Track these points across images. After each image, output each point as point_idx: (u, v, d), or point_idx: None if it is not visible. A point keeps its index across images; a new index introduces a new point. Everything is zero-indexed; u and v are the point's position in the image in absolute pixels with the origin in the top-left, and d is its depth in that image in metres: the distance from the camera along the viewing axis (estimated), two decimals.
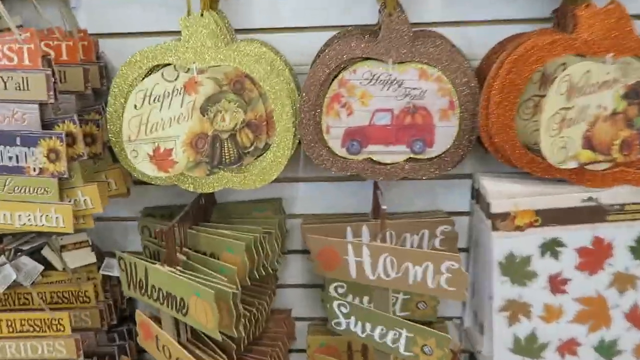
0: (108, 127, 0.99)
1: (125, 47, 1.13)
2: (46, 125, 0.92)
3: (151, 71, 0.99)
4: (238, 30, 1.08)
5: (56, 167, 0.92)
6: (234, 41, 1.03)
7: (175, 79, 0.96)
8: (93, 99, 1.10)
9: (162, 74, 0.96)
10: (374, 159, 1.03)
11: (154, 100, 0.96)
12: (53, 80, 0.89)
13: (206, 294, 0.83)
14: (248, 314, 0.98)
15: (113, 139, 1.01)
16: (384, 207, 1.01)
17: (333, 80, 1.00)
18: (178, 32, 1.00)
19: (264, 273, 1.01)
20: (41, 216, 0.93)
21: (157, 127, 0.96)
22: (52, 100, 0.89)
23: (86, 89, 1.03)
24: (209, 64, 0.96)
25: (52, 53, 0.99)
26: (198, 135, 0.98)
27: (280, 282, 1.25)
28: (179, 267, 0.94)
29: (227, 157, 0.99)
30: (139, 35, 1.13)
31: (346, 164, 1.03)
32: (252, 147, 1.00)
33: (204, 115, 0.97)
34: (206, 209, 1.15)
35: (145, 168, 0.98)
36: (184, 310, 0.88)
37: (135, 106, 0.97)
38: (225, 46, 0.97)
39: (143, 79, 0.98)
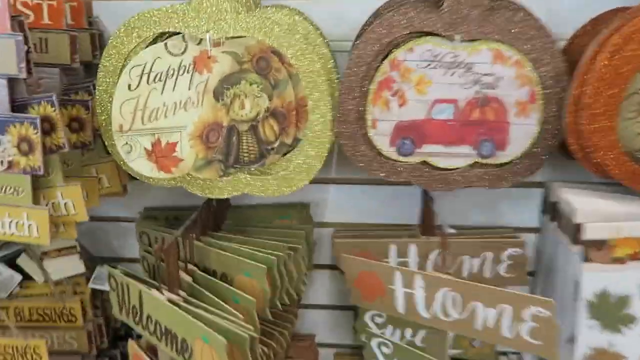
0: (97, 112, 0.79)
1: (125, 10, 0.93)
2: (18, 107, 0.72)
3: (153, 42, 0.79)
4: None
5: (29, 161, 0.72)
6: (258, 7, 0.81)
7: (183, 53, 0.75)
8: (83, 74, 0.90)
9: (166, 46, 0.75)
10: (431, 162, 0.82)
11: (155, 79, 0.75)
12: (26, 48, 0.69)
13: (215, 342, 0.63)
14: (266, 351, 0.79)
15: (103, 127, 0.80)
16: (444, 226, 0.80)
17: (383, 60, 0.78)
18: None
19: (287, 301, 0.81)
20: (10, 222, 0.74)
21: (157, 114, 0.75)
22: (23, 75, 0.69)
23: (73, 61, 0.83)
24: (226, 35, 0.74)
25: (30, 13, 0.79)
26: (210, 125, 0.77)
27: (303, 301, 1.06)
28: (182, 293, 0.74)
29: (245, 154, 0.79)
30: None
31: (394, 167, 0.82)
32: (278, 143, 0.79)
33: (218, 101, 0.76)
34: (218, 213, 0.95)
35: (142, 167, 0.77)
36: (187, 354, 0.68)
37: (130, 86, 0.75)
38: (248, 12, 0.75)
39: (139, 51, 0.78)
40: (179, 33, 0.75)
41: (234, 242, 0.85)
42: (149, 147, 0.77)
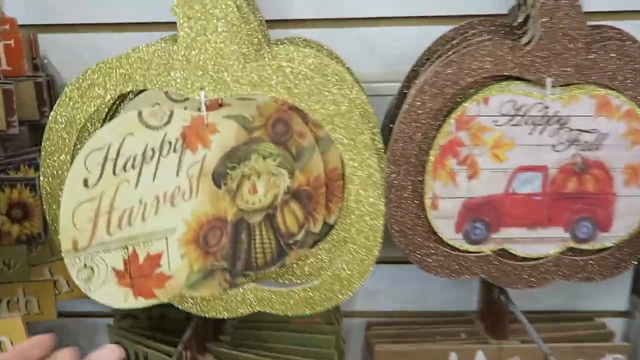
0: (45, 200, 0.54)
1: (84, 45, 0.70)
2: None
3: (120, 102, 0.55)
4: (269, 23, 0.65)
5: None
6: (269, 44, 0.59)
7: (167, 123, 0.50)
8: (28, 139, 0.66)
9: (141, 116, 0.50)
10: (510, 250, 0.60)
11: (125, 167, 0.50)
12: None
13: None
14: None
15: (54, 223, 0.55)
16: (518, 315, 0.58)
17: (446, 117, 0.57)
18: (170, 26, 0.56)
19: None
20: None
21: (131, 217, 0.51)
22: None
23: (9, 126, 0.59)
24: (228, 90, 0.50)
25: None
26: (210, 223, 0.53)
27: None
28: None
29: (259, 254, 0.55)
30: (106, 28, 0.69)
31: (461, 261, 0.60)
32: (302, 234, 0.56)
33: (219, 187, 0.53)
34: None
35: (110, 296, 0.51)
36: None
37: (87, 181, 0.50)
38: (257, 55, 0.53)
39: (105, 119, 0.54)
40: (156, 91, 0.52)
41: None
42: (120, 267, 0.52)
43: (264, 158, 0.53)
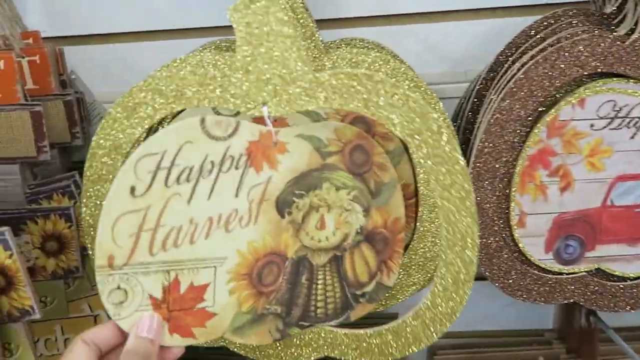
0: (85, 239, 0.47)
1: (117, 56, 0.64)
2: None
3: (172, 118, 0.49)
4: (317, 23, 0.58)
5: (14, 299, 0.43)
6: (326, 48, 0.52)
7: (231, 135, 0.42)
8: (59, 165, 0.60)
9: (203, 123, 0.42)
10: (607, 269, 0.53)
11: (179, 178, 0.43)
12: None
13: None
14: None
15: (93, 254, 0.49)
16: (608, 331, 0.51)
17: (536, 122, 0.50)
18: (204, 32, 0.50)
19: None
20: None
21: (178, 237, 0.43)
22: None
23: (40, 151, 0.53)
24: (295, 105, 0.42)
25: None
26: (267, 257, 0.45)
27: None
28: None
29: (320, 304, 0.47)
30: (137, 37, 0.63)
31: (553, 284, 0.53)
32: (373, 285, 0.47)
33: (283, 216, 0.45)
34: None
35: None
36: None
37: (134, 190, 0.42)
38: (318, 61, 0.46)
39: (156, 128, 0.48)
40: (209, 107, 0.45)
41: None
42: (158, 294, 0.43)
43: (337, 189, 0.45)
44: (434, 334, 0.47)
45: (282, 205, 0.45)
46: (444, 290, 0.46)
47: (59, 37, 0.62)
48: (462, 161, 0.43)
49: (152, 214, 0.43)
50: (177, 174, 0.43)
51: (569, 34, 0.48)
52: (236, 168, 0.44)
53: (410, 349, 0.48)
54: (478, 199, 0.50)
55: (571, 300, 0.54)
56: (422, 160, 0.43)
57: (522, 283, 0.52)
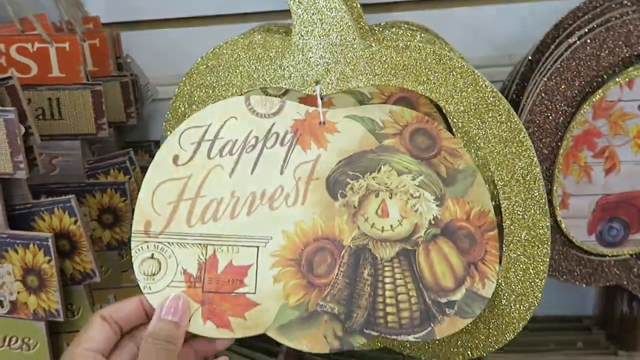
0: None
1: (168, 45, 0.67)
2: (18, 219, 0.46)
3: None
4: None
5: (41, 302, 0.46)
6: (373, 31, 0.53)
7: (276, 113, 0.43)
8: (115, 143, 0.63)
9: (248, 100, 0.43)
10: None
11: (222, 151, 0.43)
12: (24, 129, 0.43)
13: None
14: None
15: None
16: None
17: (581, 104, 0.50)
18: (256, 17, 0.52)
19: None
20: None
21: (217, 210, 0.42)
22: (23, 174, 0.43)
23: (99, 128, 0.56)
24: (348, 83, 0.43)
25: (31, 64, 0.53)
26: (317, 242, 0.41)
27: None
28: None
29: (389, 308, 0.40)
30: (189, 23, 0.66)
31: (595, 266, 0.53)
32: (462, 292, 0.40)
33: (336, 198, 0.42)
34: None
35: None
36: None
37: (176, 158, 0.42)
38: (366, 41, 0.48)
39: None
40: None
41: None
42: (194, 270, 0.41)
43: (399, 173, 0.41)
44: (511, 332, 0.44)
45: (334, 186, 0.42)
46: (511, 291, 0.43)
47: (116, 22, 0.65)
48: (527, 140, 0.41)
49: (193, 183, 0.42)
50: (220, 146, 0.42)
51: (618, 14, 0.48)
52: (281, 144, 0.43)
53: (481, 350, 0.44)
54: None
55: (613, 283, 0.54)
56: (483, 143, 0.41)
57: (563, 264, 0.53)
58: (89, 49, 0.60)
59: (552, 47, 0.51)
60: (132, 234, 0.42)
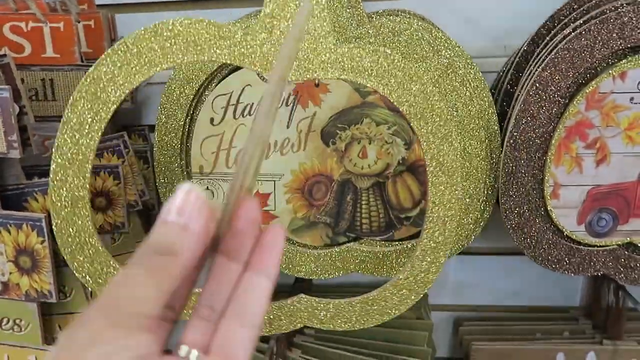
0: (156, 167, 0.58)
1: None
2: (11, 199, 0.46)
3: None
4: None
5: (34, 283, 0.46)
6: (370, 18, 0.53)
7: None
8: (108, 126, 0.63)
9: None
10: (638, 243, 0.54)
11: (243, 112, 0.55)
12: (18, 108, 0.43)
13: None
14: None
15: (164, 186, 0.58)
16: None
17: (574, 95, 0.50)
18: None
19: None
20: None
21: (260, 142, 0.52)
22: (17, 153, 0.43)
23: None
24: (314, 74, 0.43)
25: (25, 44, 0.52)
26: (315, 177, 0.56)
27: None
28: None
29: (365, 220, 0.56)
30: (183, 6, 0.65)
31: (584, 256, 0.54)
32: (417, 211, 0.54)
33: (328, 145, 0.55)
34: None
35: None
36: None
37: (213, 120, 0.56)
38: (358, 28, 0.48)
39: (224, 77, 0.56)
40: None
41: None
42: None
43: (378, 124, 0.53)
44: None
45: (327, 136, 0.54)
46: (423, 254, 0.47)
47: (111, 4, 0.64)
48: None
49: (226, 137, 0.56)
50: (242, 108, 0.55)
51: (613, 6, 0.48)
52: (286, 105, 0.54)
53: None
54: (514, 168, 0.51)
55: (601, 273, 0.54)
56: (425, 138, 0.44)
57: (553, 253, 0.53)
58: (84, 30, 0.59)
59: (547, 38, 0.51)
60: (192, 175, 0.57)
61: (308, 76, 0.43)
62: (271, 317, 0.50)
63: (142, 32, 0.44)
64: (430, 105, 0.43)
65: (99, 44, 0.61)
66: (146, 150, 0.67)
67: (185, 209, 0.24)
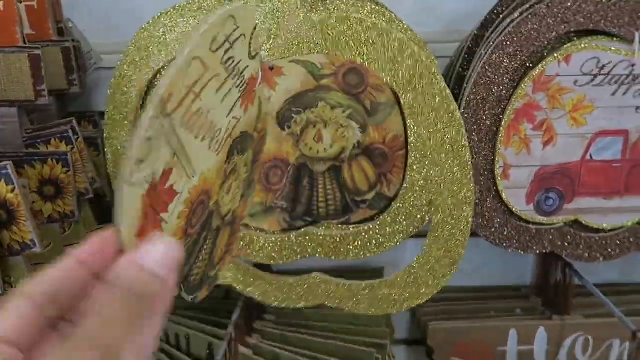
0: (107, 154, 0.54)
1: (111, 10, 0.64)
2: None
3: None
4: None
5: (59, 205, 0.45)
6: (323, 1, 0.53)
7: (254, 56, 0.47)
8: (56, 112, 0.61)
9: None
10: (584, 221, 0.56)
11: (228, 63, 0.44)
12: None
13: None
14: None
15: (115, 175, 0.54)
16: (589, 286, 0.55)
17: (522, 78, 0.52)
18: None
19: None
20: None
21: (207, 116, 0.44)
22: None
23: (38, 95, 0.54)
24: (288, 52, 0.46)
25: None
26: (271, 161, 0.54)
27: None
28: None
29: (321, 204, 0.55)
30: None
31: (532, 234, 0.56)
32: (373, 194, 0.54)
33: (283, 129, 0.52)
34: None
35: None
36: None
37: (213, 43, 0.35)
38: (324, 10, 0.47)
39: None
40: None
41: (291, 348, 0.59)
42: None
43: (332, 108, 0.51)
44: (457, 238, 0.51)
45: (282, 120, 0.52)
46: (437, 243, 0.49)
47: None
48: (454, 105, 0.46)
49: (200, 84, 0.35)
50: (226, 59, 0.38)
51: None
52: (243, 85, 0.45)
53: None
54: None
55: (549, 250, 0.57)
56: (409, 109, 0.46)
57: (504, 232, 0.55)
58: (26, 10, 0.56)
59: (497, 22, 0.52)
60: (152, 107, 0.36)
61: (282, 54, 0.44)
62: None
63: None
64: (418, 72, 0.45)
65: (44, 26, 0.58)
66: (97, 137, 0.65)
67: (164, 261, 0.24)
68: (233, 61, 0.41)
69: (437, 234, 0.51)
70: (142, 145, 0.32)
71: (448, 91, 0.49)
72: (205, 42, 0.40)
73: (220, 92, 0.40)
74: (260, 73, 0.44)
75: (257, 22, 0.43)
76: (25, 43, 0.54)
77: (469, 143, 0.52)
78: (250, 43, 0.43)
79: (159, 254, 0.24)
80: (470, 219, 0.49)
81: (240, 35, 0.42)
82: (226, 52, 0.41)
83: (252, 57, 0.42)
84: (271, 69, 0.49)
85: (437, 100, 0.50)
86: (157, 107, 0.38)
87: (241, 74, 0.42)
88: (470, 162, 0.48)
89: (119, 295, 0.23)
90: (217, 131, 0.41)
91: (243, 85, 0.43)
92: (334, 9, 0.50)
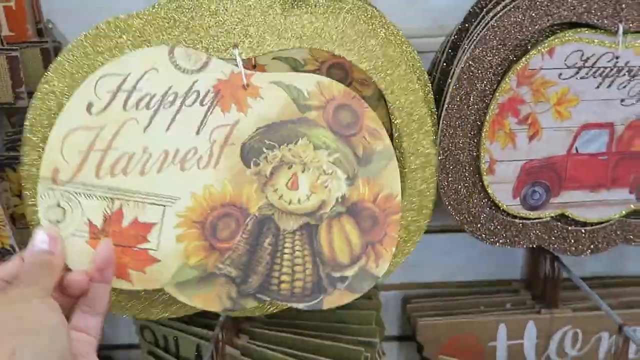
0: (23, 157, 0.43)
1: (92, 11, 0.63)
2: None
3: None
4: None
5: None
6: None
7: (200, 69, 0.41)
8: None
9: (172, 53, 0.41)
10: (570, 214, 0.56)
11: (139, 104, 0.41)
12: None
13: None
14: None
15: (28, 184, 0.43)
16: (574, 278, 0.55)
17: (506, 72, 0.51)
18: None
19: None
20: None
21: (128, 165, 0.41)
22: None
23: (17, 97, 0.53)
24: (267, 46, 0.42)
25: None
26: (224, 207, 0.41)
27: None
28: None
29: (285, 277, 0.42)
30: None
31: (519, 229, 0.56)
32: (355, 270, 0.42)
33: (248, 166, 0.41)
34: None
35: (75, 254, 0.40)
36: None
37: (90, 106, 0.40)
38: (305, 5, 0.46)
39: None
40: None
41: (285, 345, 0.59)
42: (98, 222, 0.40)
43: (316, 148, 0.41)
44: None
45: (249, 154, 0.42)
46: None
47: None
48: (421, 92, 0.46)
49: (105, 134, 0.41)
50: (137, 98, 0.41)
51: None
52: (201, 104, 0.41)
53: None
54: (450, 145, 0.52)
55: (536, 244, 0.56)
56: (390, 97, 0.44)
57: (490, 227, 0.55)
58: (4, 11, 0.56)
59: (480, 16, 0.52)
60: (40, 180, 0.40)
61: (262, 50, 0.42)
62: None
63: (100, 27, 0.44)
64: (388, 56, 0.43)
65: (22, 27, 0.57)
66: None
67: (46, 240, 0.38)
68: (151, 96, 0.41)
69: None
70: (53, 210, 0.41)
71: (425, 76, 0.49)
72: (77, 111, 0.41)
73: (154, 125, 0.41)
74: (231, 72, 0.42)
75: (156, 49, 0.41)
76: (3, 44, 0.53)
77: (455, 139, 0.52)
78: (176, 64, 0.40)
79: (39, 236, 0.39)
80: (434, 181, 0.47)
81: (144, 72, 0.41)
82: (127, 99, 0.41)
83: (198, 70, 0.41)
84: (246, 86, 0.41)
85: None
86: (46, 184, 0.41)
87: (189, 92, 0.41)
88: None
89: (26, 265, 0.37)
90: (188, 152, 0.41)
91: (204, 97, 0.41)
92: (314, 4, 0.50)
